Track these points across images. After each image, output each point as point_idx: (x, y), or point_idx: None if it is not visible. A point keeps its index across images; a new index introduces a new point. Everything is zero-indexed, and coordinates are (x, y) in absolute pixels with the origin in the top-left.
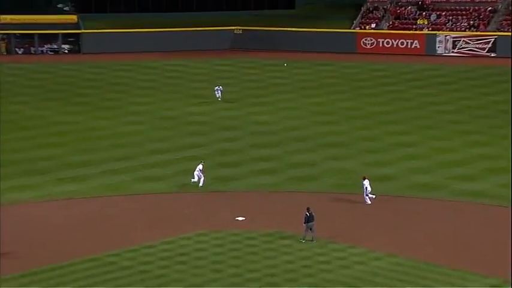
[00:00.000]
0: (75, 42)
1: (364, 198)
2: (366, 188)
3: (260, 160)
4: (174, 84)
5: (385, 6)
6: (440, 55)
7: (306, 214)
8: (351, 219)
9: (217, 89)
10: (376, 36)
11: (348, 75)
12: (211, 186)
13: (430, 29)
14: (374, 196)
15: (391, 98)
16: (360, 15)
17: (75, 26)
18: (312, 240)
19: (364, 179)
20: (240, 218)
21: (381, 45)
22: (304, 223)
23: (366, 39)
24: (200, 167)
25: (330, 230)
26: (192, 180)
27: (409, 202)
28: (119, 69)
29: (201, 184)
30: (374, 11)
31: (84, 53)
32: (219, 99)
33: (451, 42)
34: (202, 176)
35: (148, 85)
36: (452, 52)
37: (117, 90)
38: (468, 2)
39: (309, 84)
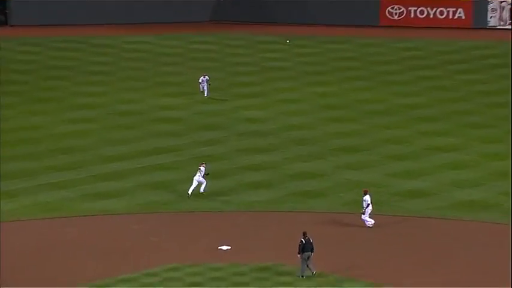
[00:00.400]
0: (1, 11)
1: (362, 218)
2: (368, 205)
3: (251, 169)
4: (136, 69)
5: None
6: (493, 28)
7: (301, 241)
8: (373, 248)
9: (202, 80)
10: (405, 3)
11: (368, 56)
12: (186, 204)
13: None
14: (371, 222)
15: (425, 87)
16: None
17: None
18: (312, 275)
19: (366, 193)
20: (225, 247)
21: (412, 15)
22: (299, 253)
23: (392, 8)
24: (202, 168)
25: (344, 263)
26: (191, 191)
27: (449, 225)
28: (61, 48)
29: (202, 190)
30: None
31: (12, 25)
32: (205, 95)
33: (508, 10)
34: (204, 180)
35: (100, 69)
36: (510, 24)
37: (59, 75)
38: None
39: (316, 68)
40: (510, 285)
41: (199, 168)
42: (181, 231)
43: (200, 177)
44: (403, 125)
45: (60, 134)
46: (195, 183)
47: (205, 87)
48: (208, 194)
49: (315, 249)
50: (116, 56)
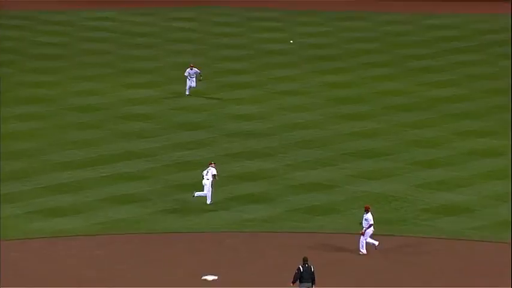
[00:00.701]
0: None
1: (359, 242)
2: (370, 225)
3: (243, 179)
4: (97, 52)
5: None
6: None
7: (299, 268)
8: (393, 278)
9: (189, 74)
10: None
11: (390, 36)
12: (161, 222)
13: None
14: (376, 243)
15: (463, 75)
16: None
17: None
18: None
19: (367, 211)
20: (210, 277)
21: None
22: (293, 282)
23: None
24: (213, 171)
25: None
26: (196, 195)
27: (492, 249)
28: (2, 26)
29: (209, 201)
30: None
31: None
32: (187, 93)
33: None
34: (210, 187)
35: (52, 52)
36: None
37: None
38: None
39: (324, 52)
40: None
41: (208, 170)
42: (155, 257)
43: (209, 181)
44: (435, 123)
45: (2, 134)
46: (206, 189)
47: (193, 83)
48: (189, 211)
49: (316, 281)
50: (72, 36)
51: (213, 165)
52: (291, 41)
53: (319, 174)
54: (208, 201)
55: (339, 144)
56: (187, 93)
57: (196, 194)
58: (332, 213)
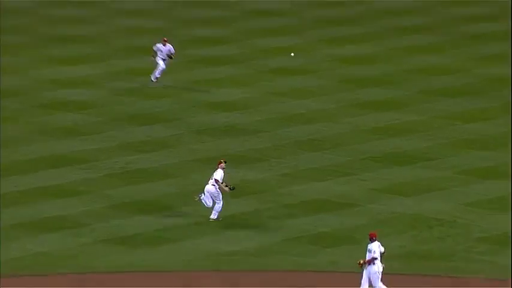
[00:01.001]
0: None
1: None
2: (374, 259)
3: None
4: (9, 11)
5: None
6: None
7: None
8: None
9: (159, 49)
10: None
11: None
12: (102, 257)
13: None
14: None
15: None
16: None
17: None
18: None
19: (372, 239)
20: None
21: None
22: None
23: None
24: (220, 174)
25: None
26: (202, 199)
27: None
28: None
29: (214, 215)
30: None
31: None
32: (154, 79)
33: None
34: (220, 195)
35: None
36: None
37: None
38: None
39: (337, 12)
40: None
41: (217, 174)
42: None
43: (215, 187)
44: (495, 114)
45: None
46: (209, 196)
47: (162, 64)
48: (143, 240)
49: None
50: None
51: (222, 165)
52: (292, 54)
53: (329, 188)
54: (212, 216)
55: (358, 145)
56: (153, 77)
57: (211, 213)
58: (347, 244)
